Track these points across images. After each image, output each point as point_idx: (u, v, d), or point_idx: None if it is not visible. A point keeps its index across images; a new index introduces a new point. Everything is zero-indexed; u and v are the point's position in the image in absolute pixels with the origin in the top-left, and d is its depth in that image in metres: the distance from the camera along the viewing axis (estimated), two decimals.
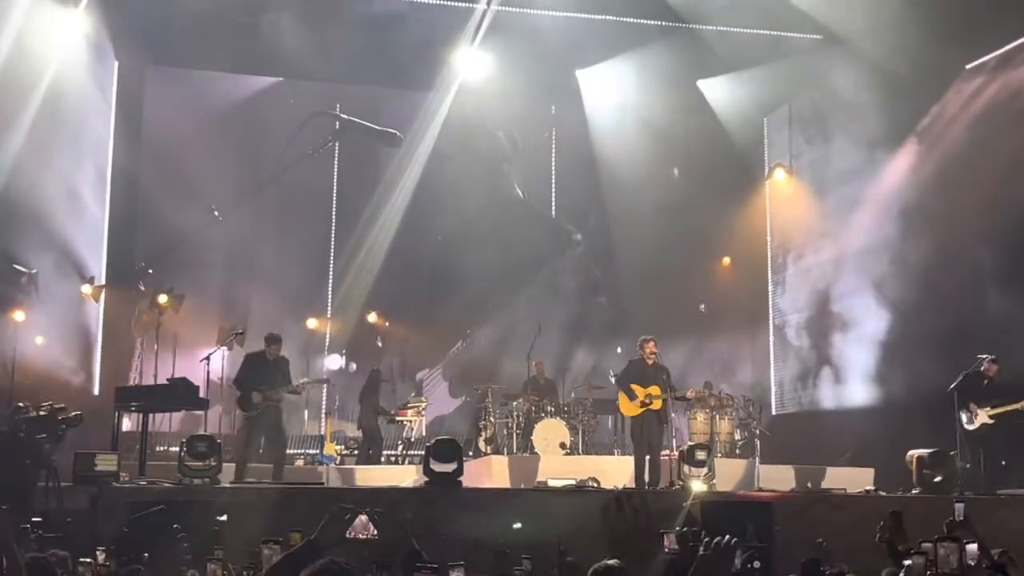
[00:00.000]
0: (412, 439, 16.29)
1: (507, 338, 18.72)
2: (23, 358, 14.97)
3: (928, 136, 15.73)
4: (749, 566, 5.14)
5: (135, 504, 9.39)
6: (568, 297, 19.53)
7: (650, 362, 12.97)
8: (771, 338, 19.46)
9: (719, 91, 18.38)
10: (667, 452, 13.85)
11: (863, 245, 16.57)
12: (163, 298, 16.19)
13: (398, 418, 16.55)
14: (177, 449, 12.69)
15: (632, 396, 12.81)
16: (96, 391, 16.61)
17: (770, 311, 19.62)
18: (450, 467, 11.45)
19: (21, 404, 10.42)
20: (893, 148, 16.05)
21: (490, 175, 19.54)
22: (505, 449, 15.06)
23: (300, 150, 19.10)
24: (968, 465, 12.92)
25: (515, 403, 15.37)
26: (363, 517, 4.37)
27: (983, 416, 12.87)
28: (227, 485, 11.77)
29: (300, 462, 15.62)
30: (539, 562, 6.29)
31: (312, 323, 18.42)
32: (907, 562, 5.44)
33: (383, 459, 15.98)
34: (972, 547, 5.40)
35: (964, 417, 12.95)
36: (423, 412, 16.79)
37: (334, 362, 18.65)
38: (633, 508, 3.35)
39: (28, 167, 15.02)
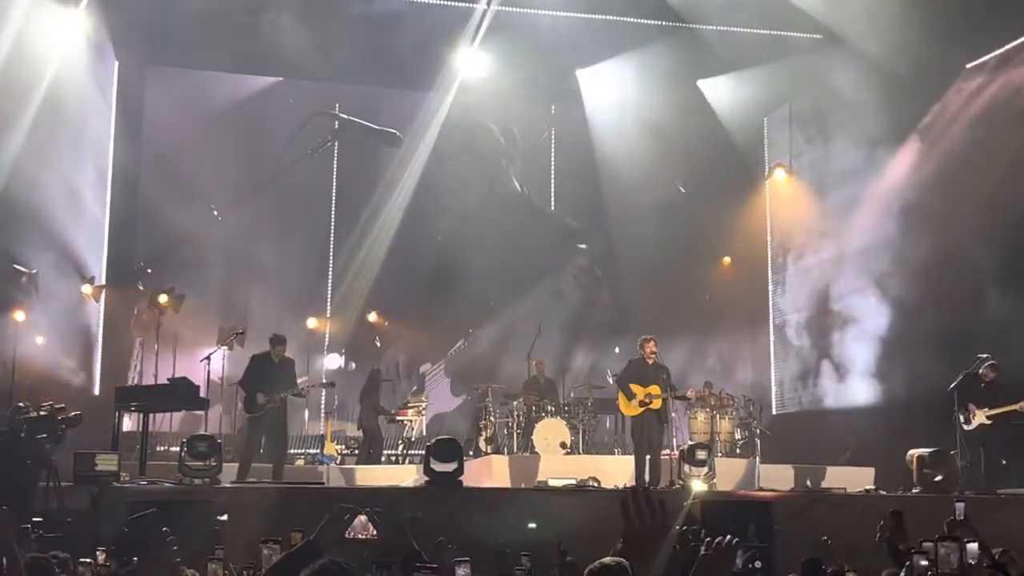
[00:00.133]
0: (412, 439, 16.28)
1: (507, 338, 18.72)
2: (23, 358, 14.97)
3: (929, 135, 15.73)
4: (751, 566, 5.14)
5: (135, 504, 9.40)
6: (570, 298, 19.54)
7: (650, 362, 12.96)
8: (771, 337, 19.46)
9: (719, 91, 18.37)
10: (667, 452, 13.85)
11: (863, 244, 16.56)
12: (163, 298, 16.19)
13: (398, 418, 16.55)
14: (177, 449, 12.70)
15: (631, 396, 12.80)
16: (96, 391, 16.61)
17: (770, 310, 19.62)
18: (450, 467, 11.45)
19: (21, 404, 10.42)
20: (893, 148, 16.04)
21: (490, 173, 19.56)
22: (505, 449, 15.06)
23: (300, 150, 19.11)
24: (968, 464, 12.91)
25: (515, 403, 15.37)
26: (363, 517, 4.37)
27: (980, 416, 12.87)
28: (227, 485, 11.77)
29: (300, 462, 15.62)
30: (539, 561, 6.29)
31: (312, 323, 18.41)
32: (908, 562, 5.44)
33: (383, 459, 15.98)
34: (973, 546, 5.41)
35: (961, 417, 12.95)
36: (423, 412, 16.78)
37: (333, 361, 18.65)
38: (649, 504, 3.35)
39: (28, 167, 15.02)
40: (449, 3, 17.20)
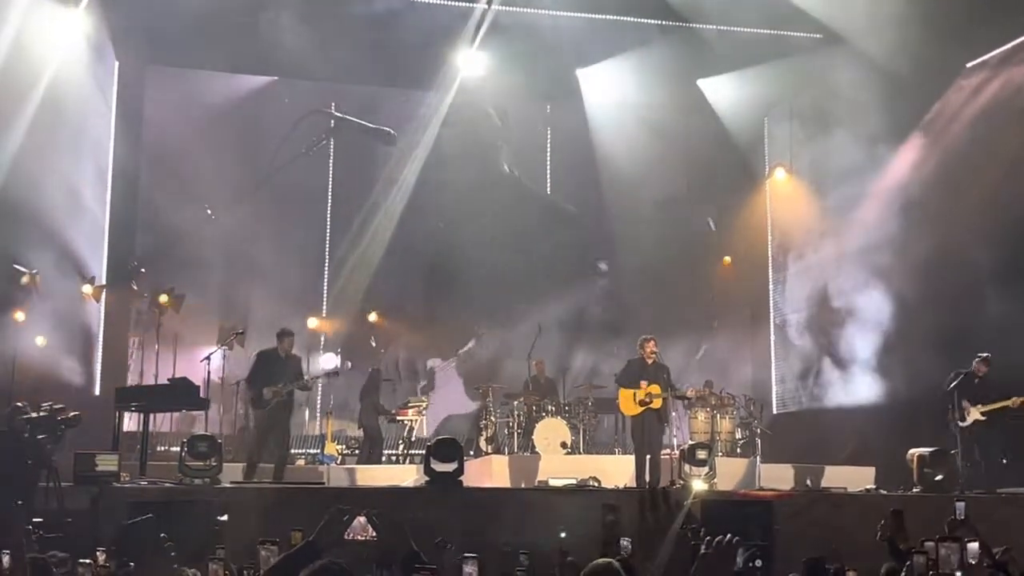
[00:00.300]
0: (413, 439, 16.27)
1: (508, 338, 18.72)
2: (23, 358, 14.97)
3: (930, 134, 15.72)
4: (751, 565, 5.14)
5: (135, 504, 9.39)
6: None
7: (650, 361, 12.96)
8: (772, 337, 19.45)
9: (719, 90, 18.36)
10: (668, 451, 13.85)
11: (864, 243, 16.55)
12: (163, 298, 16.19)
13: (399, 417, 16.54)
14: (178, 449, 12.70)
15: (635, 387, 12.78)
16: (96, 391, 16.60)
17: (771, 310, 19.61)
18: (451, 467, 11.44)
19: (19, 404, 10.39)
20: (894, 147, 16.03)
21: (489, 163, 19.61)
22: (506, 448, 15.06)
23: (295, 149, 19.10)
24: (969, 465, 12.90)
25: (516, 402, 15.37)
26: (362, 518, 4.37)
27: (975, 413, 12.87)
28: (227, 485, 11.77)
29: (301, 462, 15.62)
30: (539, 561, 6.29)
31: (313, 322, 18.39)
32: (909, 561, 5.43)
33: (384, 458, 15.98)
34: (973, 546, 5.40)
35: (956, 415, 12.93)
36: (424, 411, 16.77)
37: (329, 361, 18.63)
38: (666, 503, 3.37)
39: (28, 167, 14.99)
40: (449, 2, 17.20)
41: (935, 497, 11.62)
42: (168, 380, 13.79)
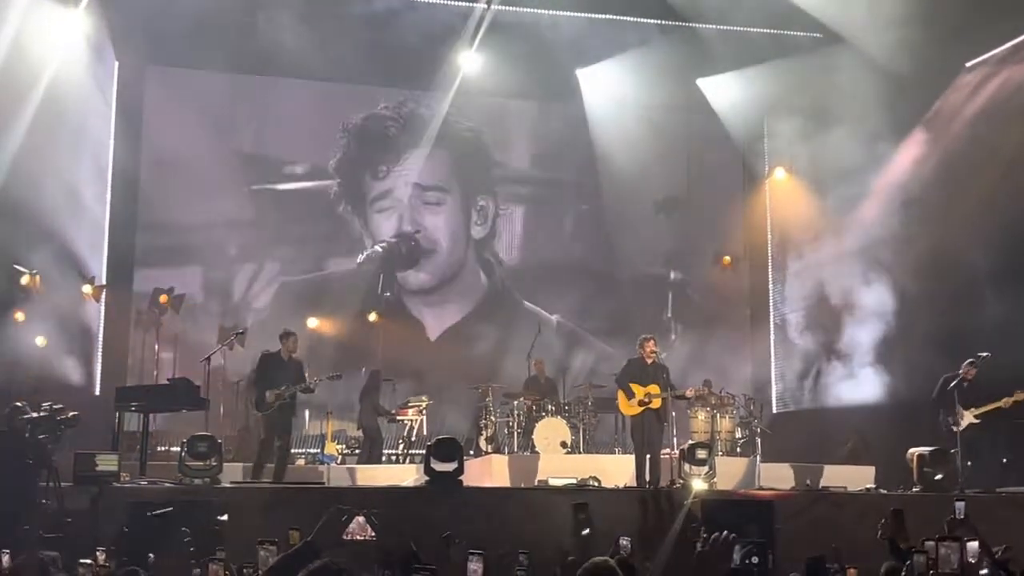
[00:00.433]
0: (413, 438, 16.25)
1: (507, 337, 18.72)
2: (23, 358, 14.98)
3: (929, 133, 15.72)
4: (748, 561, 5.14)
5: (137, 504, 9.40)
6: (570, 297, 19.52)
7: (650, 361, 12.94)
8: (771, 336, 19.45)
9: (719, 89, 18.36)
10: (668, 451, 13.84)
11: (863, 243, 16.56)
12: (163, 298, 16.19)
13: (399, 417, 16.53)
14: (178, 449, 12.70)
15: (631, 394, 12.79)
16: (97, 391, 16.61)
17: (770, 309, 19.61)
18: (451, 466, 11.44)
19: (18, 403, 10.39)
20: (893, 146, 16.04)
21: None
22: (506, 448, 15.05)
23: (297, 150, 19.09)
24: (970, 464, 12.90)
25: (516, 402, 15.36)
26: (360, 518, 4.37)
27: (968, 417, 12.85)
28: (227, 485, 11.77)
29: (301, 461, 15.60)
30: (539, 561, 6.29)
31: (313, 322, 18.37)
32: (909, 560, 5.44)
33: (384, 458, 15.97)
34: (973, 545, 5.41)
35: (949, 420, 12.93)
36: (424, 411, 16.76)
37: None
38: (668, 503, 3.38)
39: (28, 167, 14.99)
40: (449, 2, 17.20)
41: (935, 496, 11.63)
42: (168, 380, 13.79)
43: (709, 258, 19.65)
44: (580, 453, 14.78)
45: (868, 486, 13.14)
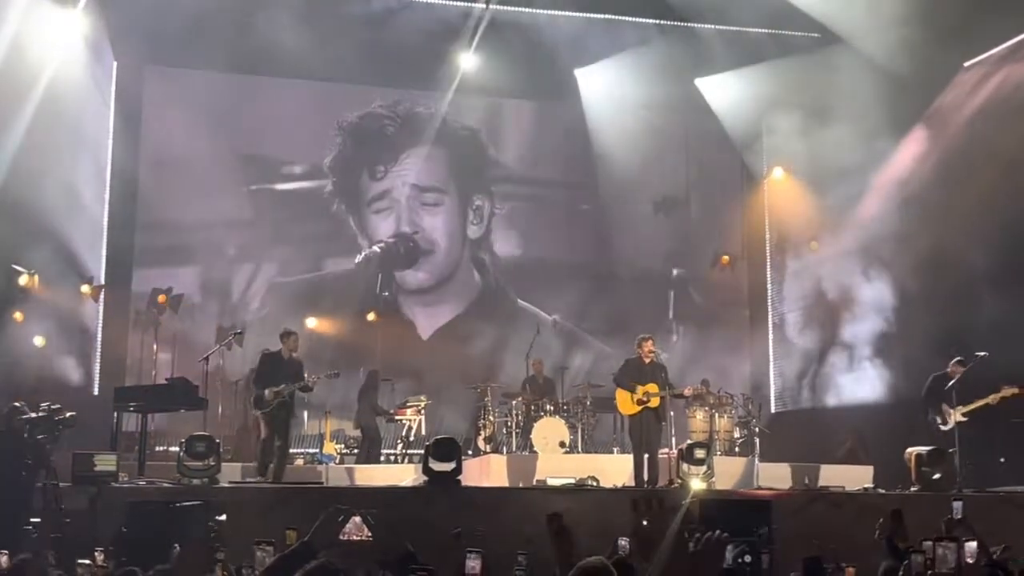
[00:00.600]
0: (411, 438, 16.26)
1: (504, 337, 18.72)
2: (22, 358, 14.96)
3: (928, 132, 15.72)
4: (740, 561, 5.15)
5: (135, 504, 9.40)
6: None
7: (648, 360, 12.95)
8: (770, 336, 19.46)
9: (718, 89, 18.37)
10: (666, 450, 13.84)
11: (862, 242, 16.56)
12: (162, 298, 16.20)
13: (397, 417, 16.53)
14: (176, 449, 12.69)
15: (633, 391, 12.78)
16: (95, 391, 16.61)
17: (769, 309, 19.62)
18: (449, 466, 11.45)
19: (17, 404, 10.38)
20: (892, 146, 16.04)
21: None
22: (504, 448, 15.06)
23: (295, 150, 19.09)
24: (970, 463, 12.90)
25: (514, 402, 15.36)
26: (357, 519, 4.37)
27: (956, 415, 12.84)
28: (226, 485, 11.77)
29: (300, 461, 15.60)
30: (539, 560, 6.28)
31: (311, 322, 18.39)
32: (907, 560, 5.44)
33: (382, 458, 15.98)
34: (971, 545, 5.42)
35: (938, 419, 12.93)
36: (422, 411, 16.77)
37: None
38: (659, 504, 3.39)
39: (27, 166, 14.99)
40: (448, 2, 17.19)
41: (933, 496, 11.63)
42: (167, 380, 13.79)
43: (707, 258, 19.66)
44: (578, 453, 14.78)
45: (866, 486, 13.13)
